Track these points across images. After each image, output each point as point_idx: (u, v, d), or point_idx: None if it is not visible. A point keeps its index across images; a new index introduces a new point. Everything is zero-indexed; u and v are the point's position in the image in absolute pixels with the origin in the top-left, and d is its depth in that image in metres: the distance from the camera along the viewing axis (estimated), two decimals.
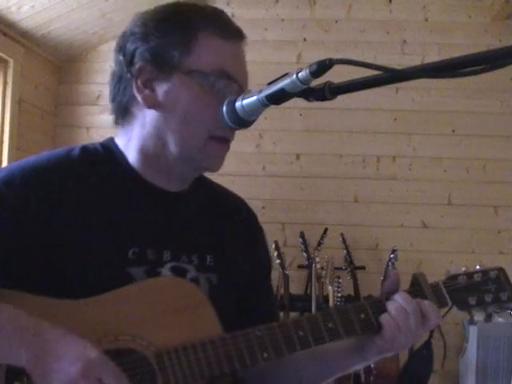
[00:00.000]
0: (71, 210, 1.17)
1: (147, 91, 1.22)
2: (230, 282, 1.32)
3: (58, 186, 1.18)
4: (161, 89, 1.21)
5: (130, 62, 1.22)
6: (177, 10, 1.25)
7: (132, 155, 1.27)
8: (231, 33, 1.24)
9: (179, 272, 1.24)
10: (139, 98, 1.22)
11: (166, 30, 1.21)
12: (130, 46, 1.22)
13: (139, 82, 1.22)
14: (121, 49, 1.24)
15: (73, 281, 1.15)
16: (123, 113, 1.26)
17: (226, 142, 1.25)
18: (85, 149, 1.27)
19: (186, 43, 1.20)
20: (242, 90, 1.23)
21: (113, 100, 1.27)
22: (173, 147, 1.22)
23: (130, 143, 1.27)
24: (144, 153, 1.25)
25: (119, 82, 1.25)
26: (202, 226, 1.32)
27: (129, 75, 1.22)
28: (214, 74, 1.19)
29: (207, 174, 1.38)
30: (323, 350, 1.27)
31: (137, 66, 1.21)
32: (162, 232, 1.25)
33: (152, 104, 1.21)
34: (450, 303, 1.26)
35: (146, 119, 1.24)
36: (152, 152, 1.25)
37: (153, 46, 1.20)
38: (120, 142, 1.29)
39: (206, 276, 1.28)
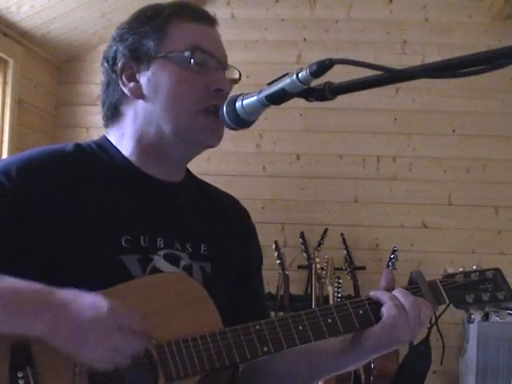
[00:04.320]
0: (64, 199, 1.20)
1: (132, 84, 1.28)
2: (225, 273, 1.34)
3: (51, 176, 1.22)
4: (144, 78, 1.27)
5: (113, 65, 1.30)
6: (147, 8, 1.33)
7: (127, 148, 1.30)
8: (201, 17, 1.31)
9: (172, 259, 1.26)
10: (126, 90, 1.28)
11: (139, 26, 1.29)
12: (111, 51, 1.31)
13: (124, 77, 1.28)
14: (104, 58, 1.33)
15: (66, 270, 1.17)
16: (113, 113, 1.32)
17: (214, 114, 1.24)
18: (78, 144, 1.32)
19: (159, 31, 1.27)
20: (221, 65, 1.28)
21: (103, 105, 1.33)
22: (165, 126, 1.26)
23: (123, 137, 1.31)
24: (140, 143, 1.29)
25: (108, 87, 1.32)
26: (196, 216, 1.35)
27: (114, 76, 1.30)
28: (189, 49, 1.25)
29: (202, 176, 1.38)
30: (316, 348, 1.28)
31: (119, 64, 1.29)
32: (155, 220, 1.27)
33: (139, 94, 1.27)
34: (447, 301, 1.27)
35: (136, 111, 1.28)
36: (148, 141, 1.28)
37: (130, 43, 1.28)
38: (113, 138, 1.33)
39: (200, 265, 1.30)
